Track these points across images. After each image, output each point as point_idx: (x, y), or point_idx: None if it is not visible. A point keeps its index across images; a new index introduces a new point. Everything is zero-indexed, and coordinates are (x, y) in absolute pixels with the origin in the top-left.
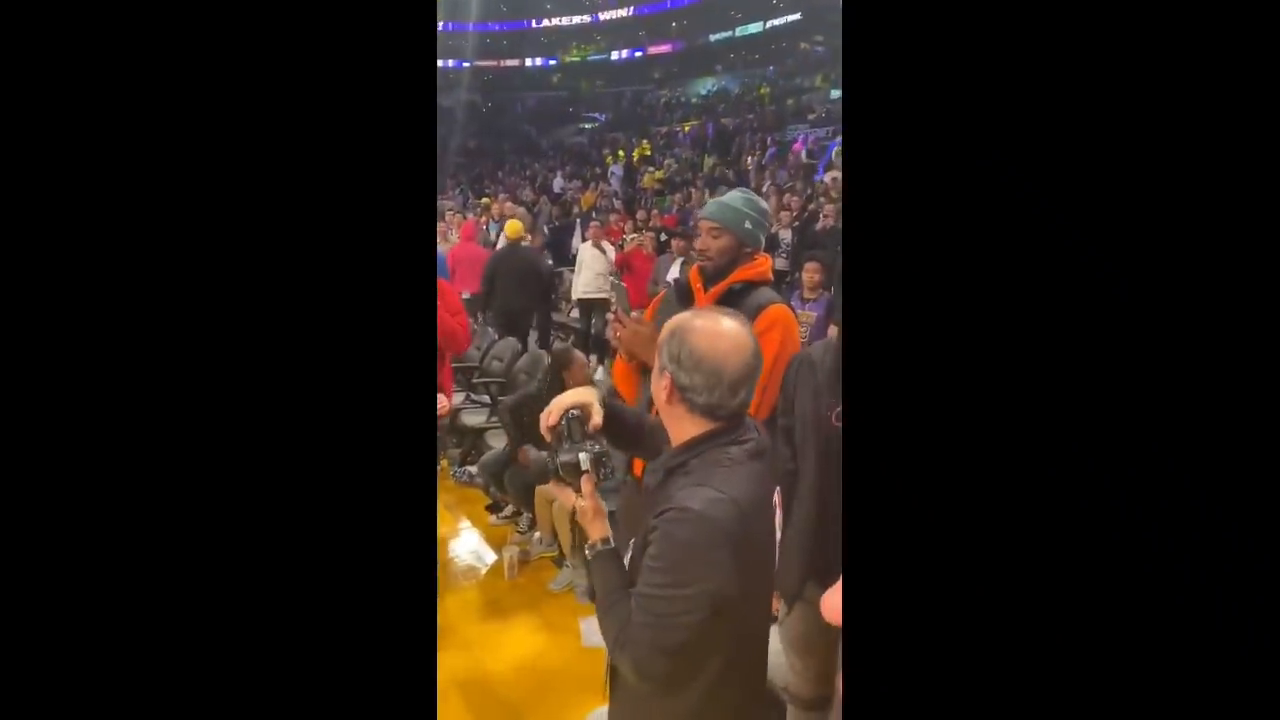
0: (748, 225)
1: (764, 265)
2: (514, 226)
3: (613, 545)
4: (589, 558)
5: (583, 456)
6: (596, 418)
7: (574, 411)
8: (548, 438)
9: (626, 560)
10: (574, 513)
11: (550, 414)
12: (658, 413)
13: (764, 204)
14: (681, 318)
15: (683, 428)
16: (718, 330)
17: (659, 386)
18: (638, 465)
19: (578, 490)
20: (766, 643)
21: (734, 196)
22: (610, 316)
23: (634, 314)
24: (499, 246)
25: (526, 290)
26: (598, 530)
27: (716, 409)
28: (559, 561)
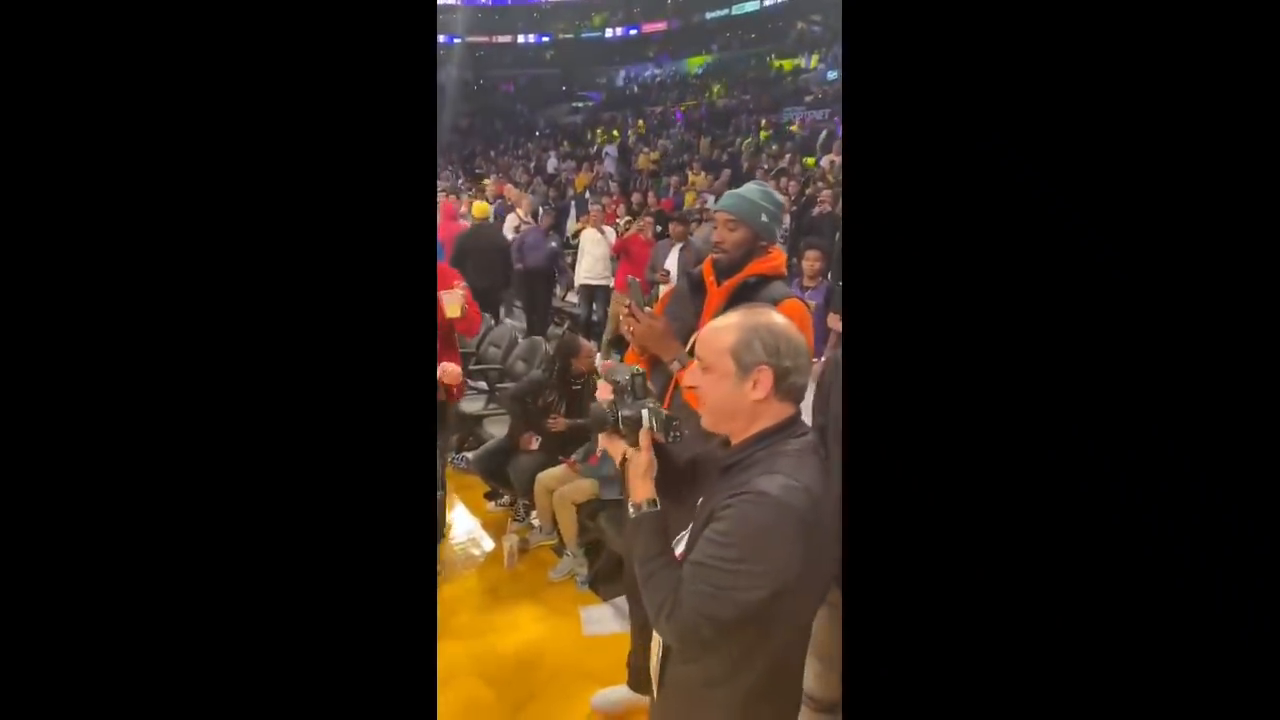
0: (764, 218)
1: (778, 259)
2: (481, 208)
3: (659, 508)
4: (632, 516)
5: (645, 413)
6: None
7: (638, 368)
8: (605, 396)
9: (679, 551)
10: (622, 462)
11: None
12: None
13: (779, 197)
14: (744, 321)
15: (758, 421)
16: (782, 319)
17: (746, 386)
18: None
19: (634, 445)
20: (806, 647)
21: (750, 189)
22: (624, 311)
23: (647, 308)
24: (468, 226)
25: (492, 270)
26: (644, 490)
27: (803, 389)
28: (559, 550)
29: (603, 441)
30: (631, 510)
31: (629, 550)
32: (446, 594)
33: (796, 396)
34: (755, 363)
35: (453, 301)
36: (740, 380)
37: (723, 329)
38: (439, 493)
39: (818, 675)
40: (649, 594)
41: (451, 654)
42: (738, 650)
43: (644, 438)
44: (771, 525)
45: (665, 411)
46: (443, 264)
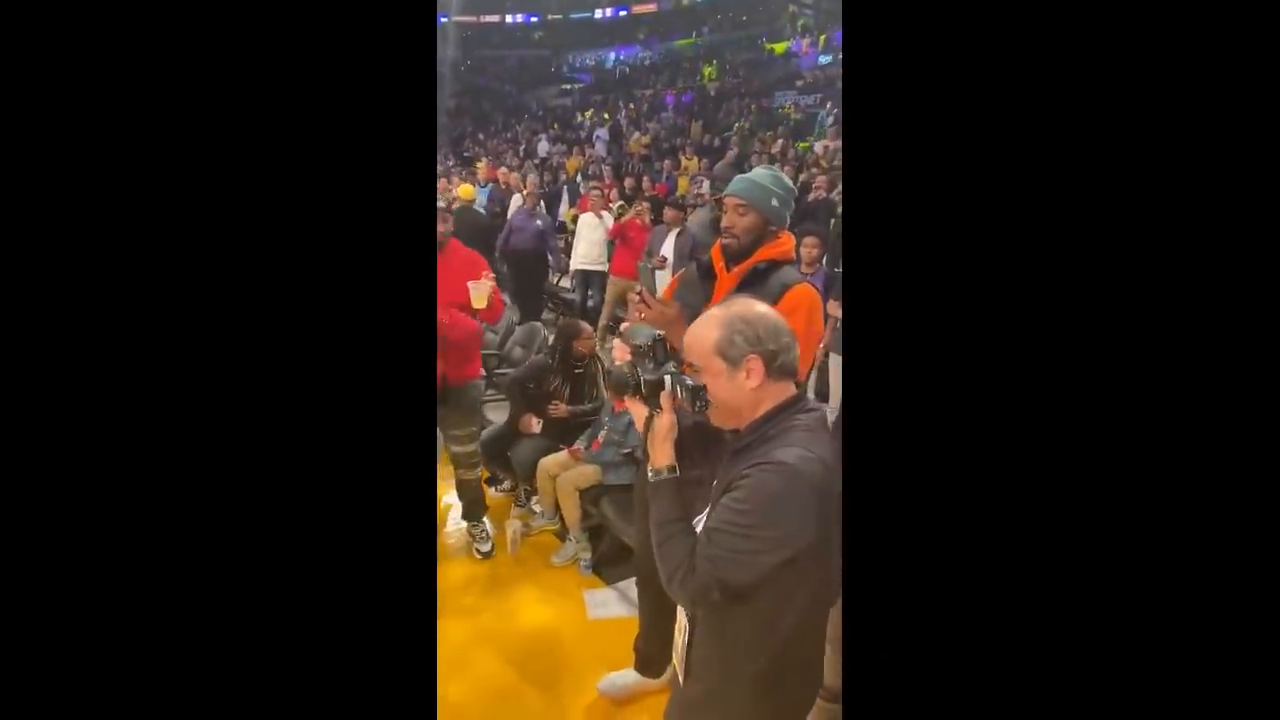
0: (774, 203)
1: (788, 244)
2: (466, 190)
3: (679, 474)
4: (651, 480)
5: (668, 378)
6: (677, 339)
7: (658, 332)
8: (624, 358)
9: (699, 528)
10: (646, 428)
11: (622, 344)
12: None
13: (789, 182)
14: (720, 316)
15: (761, 405)
16: (759, 308)
17: (740, 378)
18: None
19: (655, 409)
20: (825, 626)
21: (760, 173)
22: (634, 297)
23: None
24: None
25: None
26: (665, 455)
27: (795, 363)
28: (561, 535)
29: (626, 404)
30: (651, 475)
31: (644, 515)
32: (449, 577)
33: (791, 373)
34: (742, 355)
35: (480, 293)
36: (733, 374)
37: (703, 330)
38: (478, 470)
39: (830, 664)
40: (664, 558)
41: (455, 638)
42: (761, 618)
43: (665, 401)
44: (787, 492)
45: (691, 380)
46: (474, 253)
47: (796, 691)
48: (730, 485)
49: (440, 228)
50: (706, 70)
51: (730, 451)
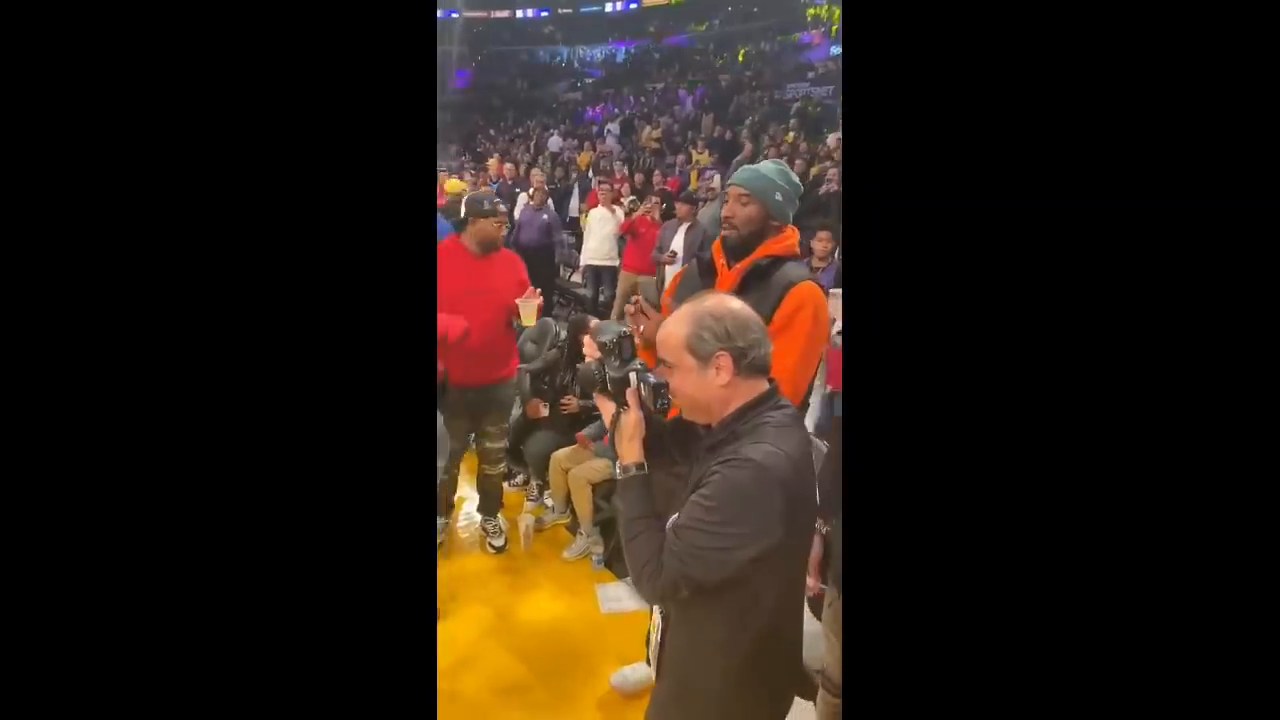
0: (778, 197)
1: (791, 238)
2: (454, 185)
3: (646, 471)
4: (619, 477)
5: (633, 375)
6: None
7: (625, 330)
8: (593, 355)
9: (667, 527)
10: (612, 424)
11: (591, 345)
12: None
13: (796, 179)
14: (691, 312)
15: (732, 402)
16: (733, 304)
17: (710, 375)
18: None
19: (622, 406)
20: (800, 616)
21: (767, 166)
22: (630, 308)
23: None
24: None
25: None
26: (632, 452)
27: (767, 360)
28: (573, 529)
29: (596, 402)
30: (619, 472)
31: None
32: (462, 572)
33: (762, 369)
34: (711, 351)
35: (529, 311)
36: (703, 370)
37: (673, 327)
38: (502, 466)
39: (837, 657)
40: (632, 555)
41: (465, 633)
42: (732, 614)
43: (631, 398)
44: (755, 489)
45: (653, 377)
46: (519, 260)
47: (773, 688)
48: (700, 482)
49: (499, 231)
50: (718, 63)
51: (702, 448)
